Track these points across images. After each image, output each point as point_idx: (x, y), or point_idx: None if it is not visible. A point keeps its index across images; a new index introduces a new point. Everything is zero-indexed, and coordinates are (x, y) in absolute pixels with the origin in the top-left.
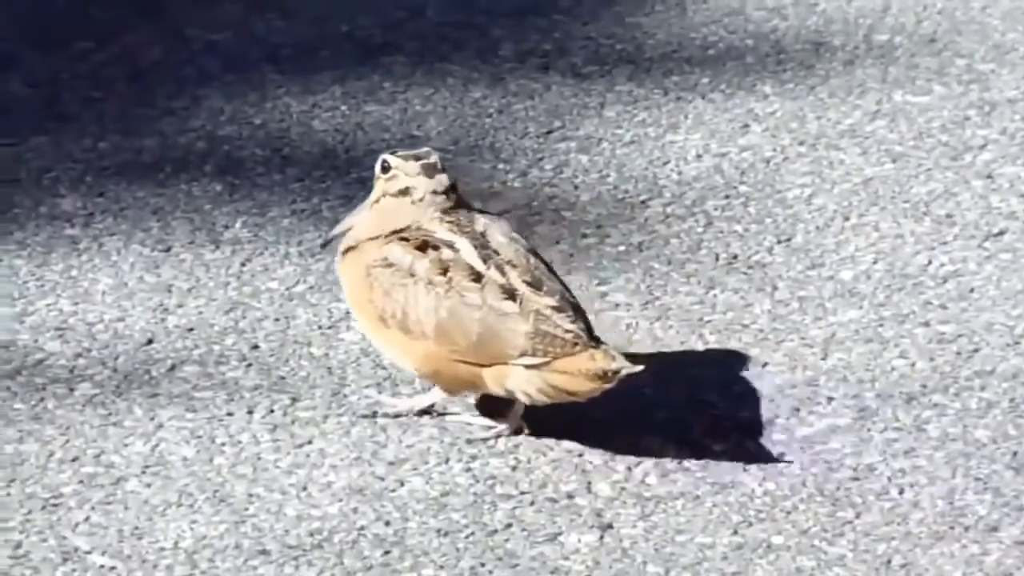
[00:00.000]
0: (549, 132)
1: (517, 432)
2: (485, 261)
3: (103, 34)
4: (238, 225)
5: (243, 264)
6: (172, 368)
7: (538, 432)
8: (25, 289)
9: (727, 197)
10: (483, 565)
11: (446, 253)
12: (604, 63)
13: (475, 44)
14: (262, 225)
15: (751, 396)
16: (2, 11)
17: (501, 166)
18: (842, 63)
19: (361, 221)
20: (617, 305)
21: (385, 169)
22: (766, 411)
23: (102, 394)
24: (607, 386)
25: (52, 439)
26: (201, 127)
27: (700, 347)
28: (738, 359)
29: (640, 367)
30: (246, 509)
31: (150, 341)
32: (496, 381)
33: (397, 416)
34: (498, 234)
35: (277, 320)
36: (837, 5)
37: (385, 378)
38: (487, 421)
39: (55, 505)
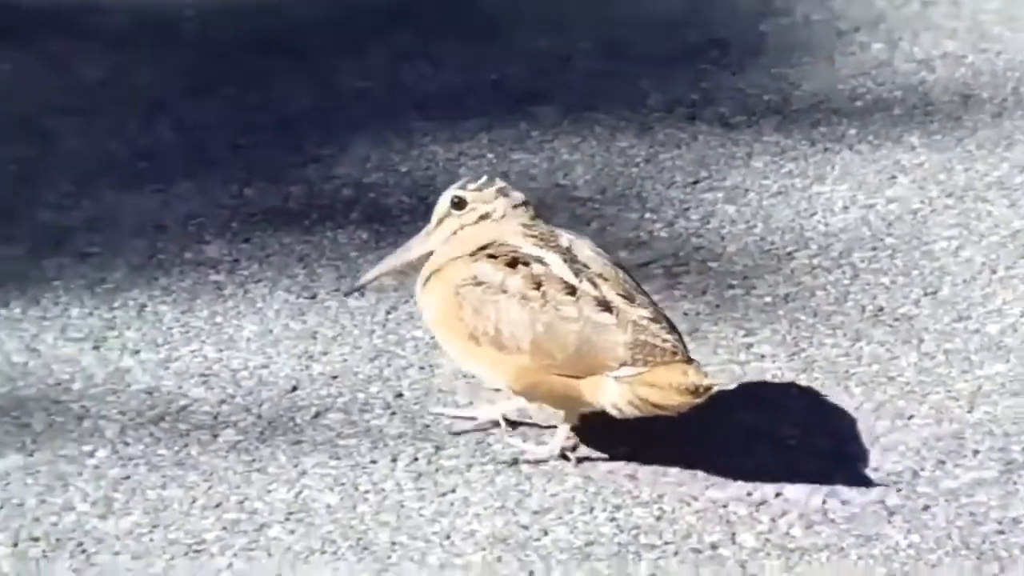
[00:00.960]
0: (696, 182)
1: (564, 457)
2: (577, 275)
3: (252, 81)
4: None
5: (388, 312)
6: (316, 415)
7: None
8: (170, 335)
9: (874, 249)
10: None
11: (537, 268)
12: (752, 113)
13: (623, 93)
14: (407, 274)
15: (896, 448)
16: (153, 57)
17: (648, 215)
18: (990, 115)
19: (439, 253)
20: (763, 356)
21: (459, 205)
22: (912, 463)
23: (246, 440)
24: (697, 401)
25: (195, 485)
26: (347, 175)
27: (846, 399)
28: (884, 411)
29: (733, 384)
30: (389, 557)
31: (295, 388)
32: (589, 393)
33: (538, 463)
34: (585, 248)
35: (422, 368)
36: (985, 58)
37: (530, 425)
38: (533, 446)
39: (198, 551)
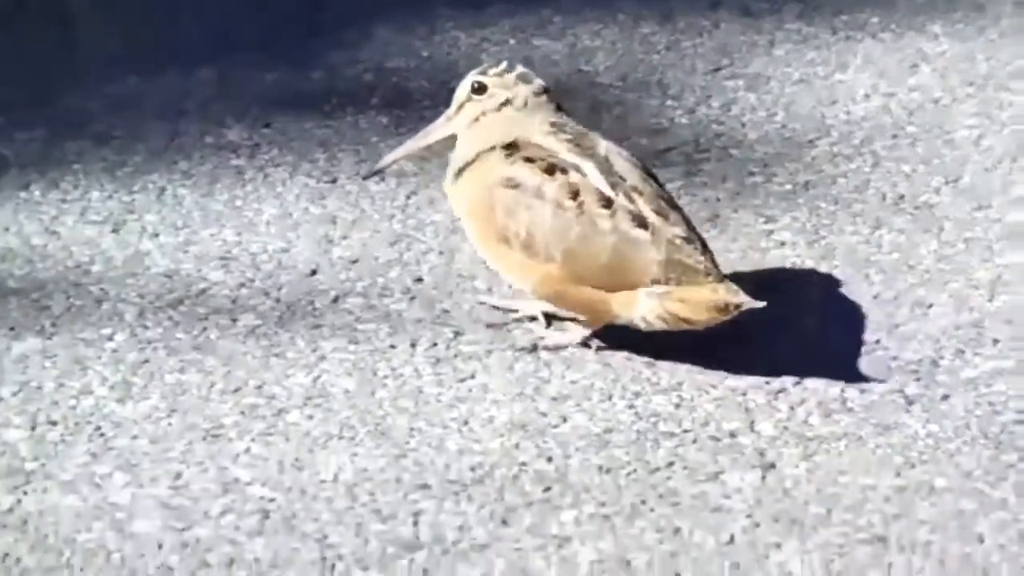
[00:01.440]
0: (717, 70)
1: (585, 345)
2: (613, 187)
3: None
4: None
5: (408, 197)
6: (335, 300)
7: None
8: (190, 219)
9: (895, 137)
10: (644, 503)
11: (574, 176)
12: (774, 1)
13: None
14: (427, 158)
15: (915, 337)
16: None
17: (669, 103)
18: (1013, 3)
19: (464, 144)
20: (783, 244)
21: (479, 90)
22: (930, 352)
23: (265, 325)
24: (725, 318)
25: (214, 370)
26: (369, 59)
27: (865, 287)
28: (903, 299)
29: (762, 303)
30: (407, 443)
31: (314, 272)
32: (617, 305)
33: (558, 349)
34: (620, 159)
35: (441, 253)
36: None
37: (564, 319)
38: (553, 332)
39: (216, 436)
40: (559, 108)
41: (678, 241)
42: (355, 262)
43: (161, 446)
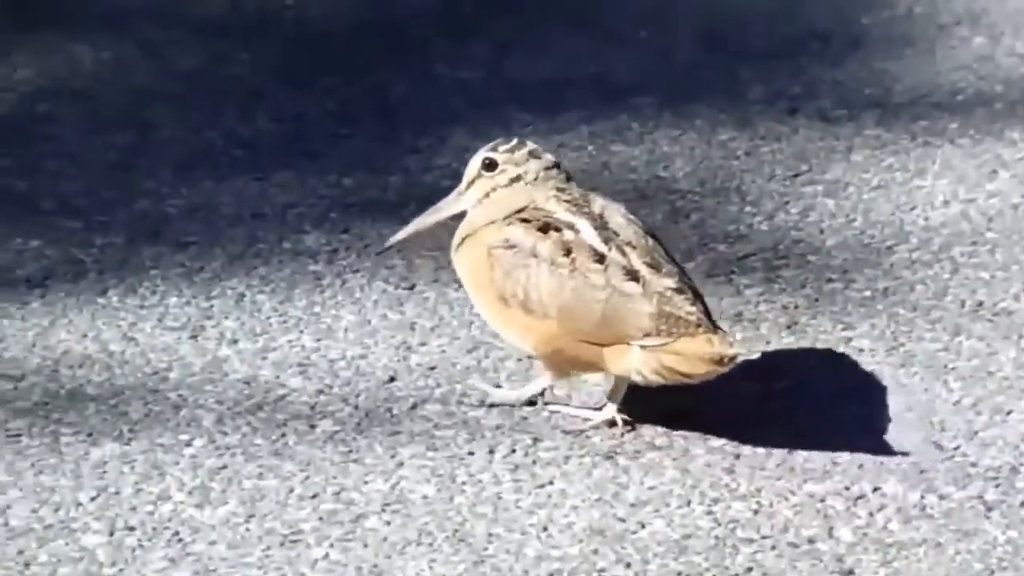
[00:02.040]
0: (796, 175)
1: (612, 424)
2: (606, 242)
3: (351, 70)
4: None
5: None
6: (414, 406)
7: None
8: (268, 325)
9: (974, 243)
10: None
11: (568, 234)
12: (852, 107)
13: (723, 86)
14: (441, 236)
15: (995, 444)
16: (251, 46)
17: (747, 209)
18: None
19: (472, 215)
20: (861, 350)
21: (491, 167)
22: (1010, 459)
23: (343, 431)
24: (721, 370)
25: (292, 475)
26: (447, 165)
27: (944, 394)
28: (982, 406)
29: (757, 353)
30: (485, 549)
31: (392, 379)
32: (613, 361)
33: (505, 405)
34: (616, 215)
35: (519, 360)
36: None
37: (626, 420)
38: (587, 412)
39: (294, 541)
40: (568, 179)
41: (669, 293)
42: (433, 368)
43: (239, 551)
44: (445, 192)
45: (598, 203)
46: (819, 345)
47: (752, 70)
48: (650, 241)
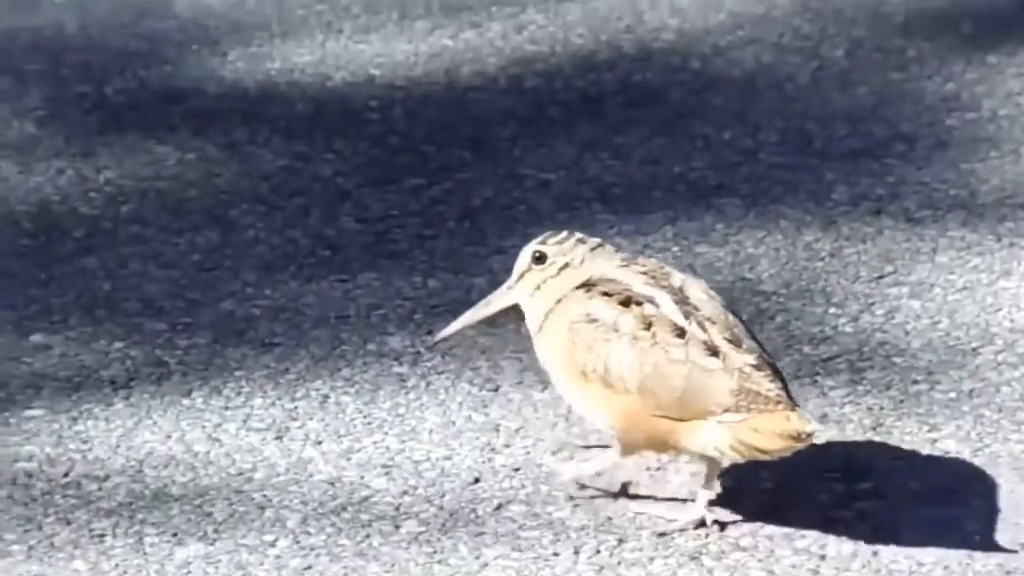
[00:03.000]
0: (881, 277)
1: (701, 524)
2: (687, 317)
3: (436, 171)
4: None
5: (570, 406)
6: (498, 507)
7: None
8: (352, 426)
9: None
10: None
11: (649, 309)
12: (937, 208)
13: (808, 187)
14: (493, 332)
15: None
16: (335, 147)
17: (832, 310)
18: None
19: (530, 308)
20: (947, 452)
21: (540, 259)
22: None
23: (427, 532)
24: (798, 446)
25: None
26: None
27: None
28: None
29: (833, 429)
30: None
31: (477, 480)
32: (691, 436)
33: (579, 484)
34: (696, 290)
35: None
36: None
37: (711, 520)
38: (674, 512)
39: None
40: (618, 251)
41: (748, 369)
42: (517, 470)
43: None
44: None
45: (677, 277)
46: (904, 446)
47: (837, 171)
48: (730, 317)
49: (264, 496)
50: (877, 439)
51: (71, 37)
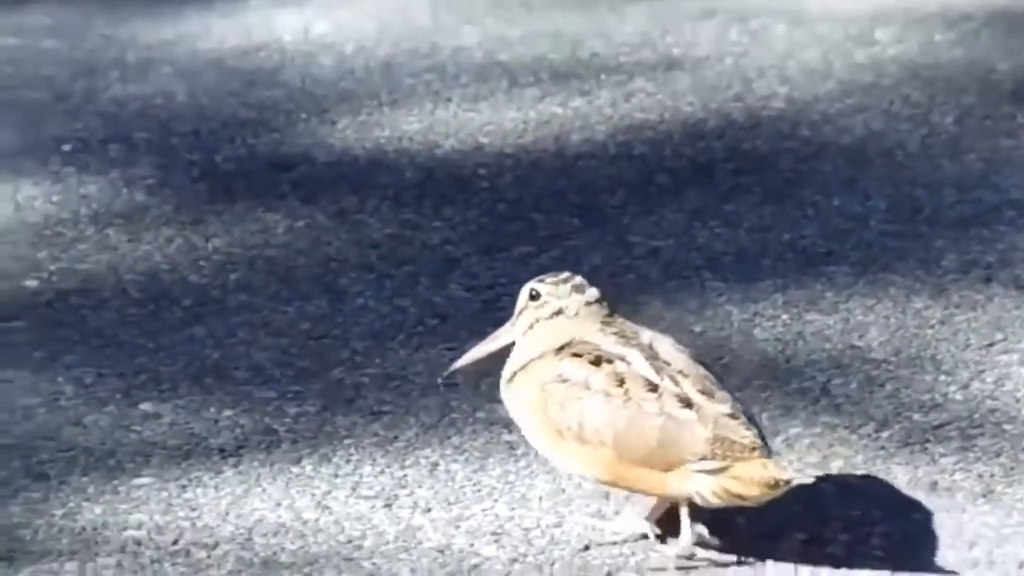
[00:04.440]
0: (991, 344)
1: (644, 536)
2: (658, 372)
3: (545, 239)
4: None
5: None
6: (608, 575)
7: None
8: (462, 494)
9: None
10: None
11: (620, 366)
12: None
13: (918, 254)
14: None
15: None
16: (444, 214)
17: (942, 378)
18: None
19: (518, 348)
20: None
21: (535, 297)
22: None
23: None
24: (775, 494)
25: None
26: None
27: None
28: None
29: (811, 478)
30: None
31: (587, 547)
32: (673, 484)
33: (620, 541)
34: (666, 345)
35: (712, 530)
36: None
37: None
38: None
39: None
40: (612, 313)
41: (723, 419)
42: (627, 538)
43: None
44: None
45: (647, 335)
46: (1016, 514)
47: (946, 238)
48: (701, 369)
49: (373, 564)
50: (987, 506)
51: (180, 106)
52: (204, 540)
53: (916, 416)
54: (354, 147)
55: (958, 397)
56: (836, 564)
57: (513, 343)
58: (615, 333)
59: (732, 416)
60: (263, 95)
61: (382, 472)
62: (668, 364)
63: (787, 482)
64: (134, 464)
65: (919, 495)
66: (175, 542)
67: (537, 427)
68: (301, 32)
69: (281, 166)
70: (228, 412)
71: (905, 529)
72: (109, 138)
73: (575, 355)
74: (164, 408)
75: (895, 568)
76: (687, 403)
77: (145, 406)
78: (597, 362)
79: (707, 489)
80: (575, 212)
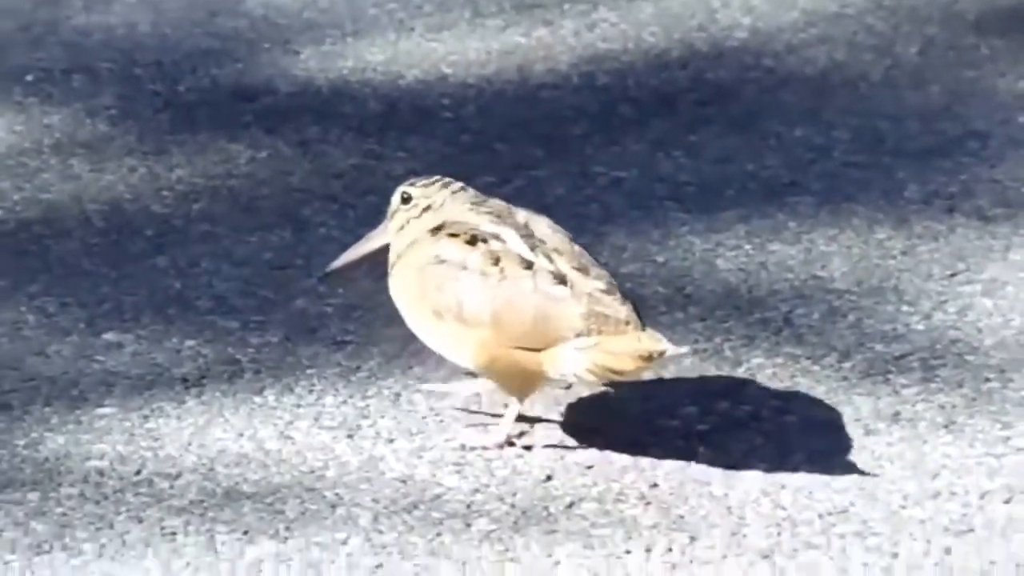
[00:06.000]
0: (953, 275)
1: (510, 444)
2: (532, 249)
3: (508, 169)
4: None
5: (644, 401)
6: (570, 505)
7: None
8: (424, 424)
9: None
10: None
11: (495, 244)
12: (1010, 206)
13: (881, 185)
14: (663, 364)
15: None
16: (407, 145)
17: (904, 308)
18: None
19: (395, 245)
20: (1020, 449)
21: (406, 200)
22: None
23: (499, 530)
24: (651, 366)
25: (448, 574)
26: (604, 264)
27: None
28: None
29: (684, 349)
30: None
31: (549, 478)
32: (548, 364)
33: (484, 449)
34: (542, 224)
35: (677, 459)
36: None
37: (783, 519)
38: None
39: None
40: (483, 200)
41: (598, 294)
42: (590, 467)
43: None
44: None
45: (522, 214)
46: (977, 444)
47: (909, 169)
48: (576, 247)
49: (336, 494)
50: (949, 437)
51: (143, 35)
52: (167, 470)
53: (878, 347)
54: (317, 77)
55: (920, 328)
56: (798, 494)
57: (387, 245)
58: (489, 212)
59: (607, 292)
60: (226, 25)
61: (344, 402)
62: (543, 242)
63: (661, 354)
64: (96, 394)
65: (880, 426)
66: (137, 472)
67: (416, 310)
68: None
69: (244, 96)
70: (191, 342)
71: (867, 460)
72: (72, 68)
73: (451, 235)
74: (127, 338)
75: (856, 496)
76: (561, 280)
77: (108, 336)
78: (472, 241)
79: (581, 367)
80: (539, 142)
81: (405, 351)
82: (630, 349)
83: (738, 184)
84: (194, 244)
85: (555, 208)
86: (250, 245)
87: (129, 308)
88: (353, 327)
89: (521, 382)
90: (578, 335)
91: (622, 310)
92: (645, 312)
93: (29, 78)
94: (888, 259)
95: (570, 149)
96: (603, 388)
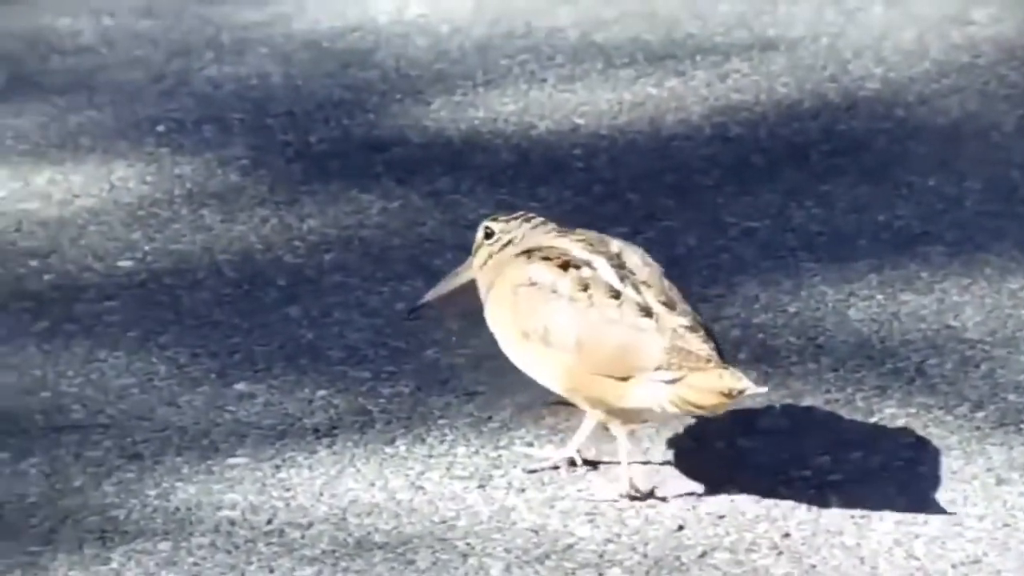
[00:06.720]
0: None
1: (572, 464)
2: (622, 280)
3: (640, 220)
4: (773, 414)
5: (775, 451)
6: (703, 555)
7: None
8: (556, 475)
9: None
10: None
11: (586, 272)
12: None
13: (1013, 234)
14: (796, 415)
15: None
16: (539, 195)
17: None
18: None
19: (480, 282)
20: None
21: (489, 235)
22: None
23: None
24: (731, 403)
25: None
26: (736, 315)
27: None
28: None
29: (764, 388)
30: None
31: (681, 528)
32: (630, 393)
33: (555, 468)
34: (634, 256)
35: (810, 509)
36: None
37: (916, 568)
38: (544, 452)
39: None
40: (569, 231)
41: (681, 330)
42: (722, 517)
43: None
44: (734, 342)
45: (615, 244)
46: None
47: None
48: (666, 283)
49: (467, 544)
50: None
51: (275, 86)
52: (298, 520)
53: (1011, 397)
54: (448, 128)
55: None
56: (931, 544)
57: (473, 281)
58: (581, 240)
59: (691, 329)
60: (358, 76)
61: (476, 452)
62: (633, 274)
63: (741, 391)
64: (228, 444)
65: (1013, 475)
66: (269, 522)
67: (507, 330)
68: (396, 13)
69: (376, 147)
70: (322, 392)
71: (999, 510)
72: (203, 119)
73: (545, 259)
74: (258, 388)
75: (989, 549)
76: (647, 312)
77: (239, 386)
78: (565, 267)
79: (664, 398)
80: (670, 193)
81: (537, 402)
82: (711, 385)
83: (870, 234)
84: (326, 294)
85: (687, 259)
86: (382, 295)
87: (261, 358)
88: (484, 378)
89: (607, 410)
90: (658, 368)
91: (704, 348)
92: (778, 362)
93: (161, 128)
94: (1021, 308)
95: (702, 199)
96: (733, 439)
